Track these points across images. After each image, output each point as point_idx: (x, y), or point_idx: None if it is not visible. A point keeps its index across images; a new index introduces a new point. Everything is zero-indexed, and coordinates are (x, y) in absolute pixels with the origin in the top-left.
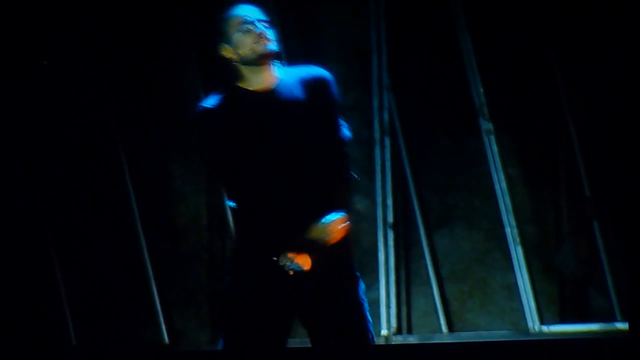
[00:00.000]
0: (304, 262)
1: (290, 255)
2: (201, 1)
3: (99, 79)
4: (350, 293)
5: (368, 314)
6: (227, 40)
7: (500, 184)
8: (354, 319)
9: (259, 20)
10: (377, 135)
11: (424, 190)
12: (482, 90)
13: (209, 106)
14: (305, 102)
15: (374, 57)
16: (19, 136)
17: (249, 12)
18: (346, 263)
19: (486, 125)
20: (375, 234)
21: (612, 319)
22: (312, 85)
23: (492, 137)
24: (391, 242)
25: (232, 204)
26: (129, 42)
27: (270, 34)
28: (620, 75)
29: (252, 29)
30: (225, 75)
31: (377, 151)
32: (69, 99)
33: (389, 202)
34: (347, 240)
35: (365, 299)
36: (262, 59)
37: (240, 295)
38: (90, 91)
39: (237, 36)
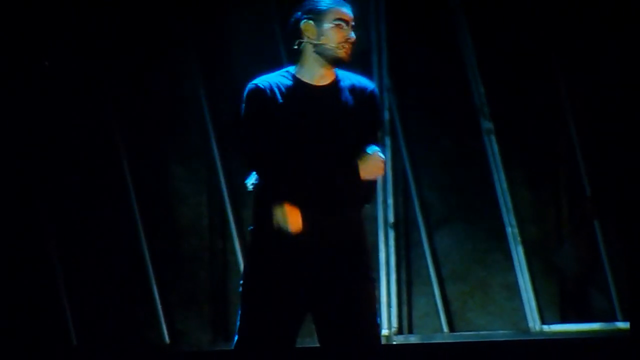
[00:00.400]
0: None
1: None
2: (202, 2)
3: (99, 79)
4: (363, 292)
5: (378, 318)
6: (317, 20)
7: (501, 183)
8: (365, 319)
9: (353, 24)
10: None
11: (425, 190)
12: (482, 90)
13: (260, 83)
14: (353, 109)
15: (374, 57)
16: (20, 137)
17: (349, 10)
18: (362, 261)
19: (487, 125)
20: (376, 234)
21: (612, 318)
22: (363, 96)
23: (493, 137)
24: (392, 242)
25: (253, 182)
26: (130, 43)
27: (355, 43)
28: (620, 75)
29: (346, 30)
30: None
31: None
32: (69, 100)
33: (390, 201)
34: (364, 239)
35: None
36: (335, 62)
37: (259, 284)
38: (91, 92)
39: (329, 26)
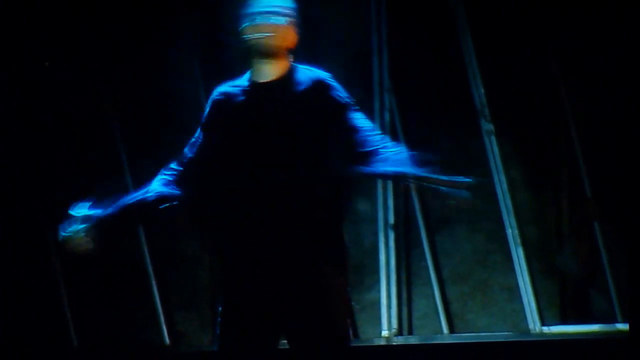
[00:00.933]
0: None
1: None
2: (203, 3)
3: (99, 81)
4: (329, 295)
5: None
6: (241, 26)
7: (502, 185)
8: (332, 327)
9: (264, 13)
10: None
11: (425, 191)
12: (483, 91)
13: (218, 89)
14: (305, 103)
15: (375, 58)
16: (19, 136)
17: (260, 2)
18: (320, 268)
19: (487, 127)
20: (376, 235)
21: (612, 320)
22: (313, 89)
23: (493, 138)
24: (392, 243)
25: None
26: (132, 45)
27: (271, 26)
28: (621, 76)
29: (255, 20)
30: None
31: None
32: (70, 100)
33: (390, 203)
34: (335, 242)
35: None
36: (253, 54)
37: (230, 298)
38: (91, 93)
39: (245, 25)
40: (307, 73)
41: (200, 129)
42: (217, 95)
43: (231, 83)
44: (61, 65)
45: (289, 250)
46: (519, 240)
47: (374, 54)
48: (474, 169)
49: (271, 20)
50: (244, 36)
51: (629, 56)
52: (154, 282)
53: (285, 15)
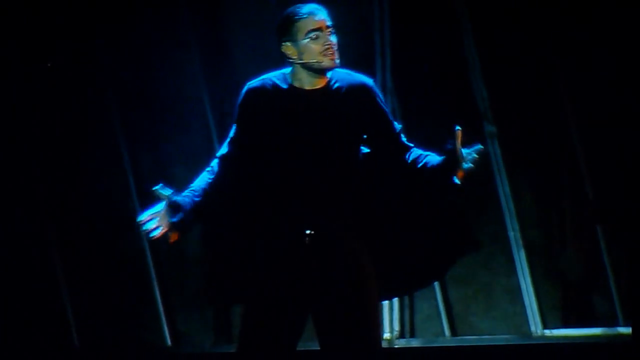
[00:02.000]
0: None
1: None
2: (205, 4)
3: (102, 80)
4: (363, 296)
5: (380, 319)
6: (293, 41)
7: (504, 187)
8: (365, 322)
9: (327, 27)
10: None
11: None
12: (486, 94)
13: (254, 85)
14: (349, 110)
15: (377, 60)
16: (21, 136)
17: (319, 17)
18: (365, 261)
19: (490, 129)
20: None
21: (614, 323)
22: (359, 95)
23: (496, 141)
24: None
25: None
26: (134, 47)
27: (335, 45)
28: (623, 81)
29: (321, 37)
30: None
31: None
32: (72, 102)
33: None
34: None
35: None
36: (323, 72)
37: (254, 287)
38: (94, 94)
39: (305, 42)
40: (349, 78)
41: (238, 127)
42: (253, 95)
43: (267, 82)
44: (64, 67)
45: (330, 249)
46: (521, 243)
47: (376, 56)
48: (476, 171)
49: (333, 38)
50: (305, 58)
51: (632, 60)
52: (155, 283)
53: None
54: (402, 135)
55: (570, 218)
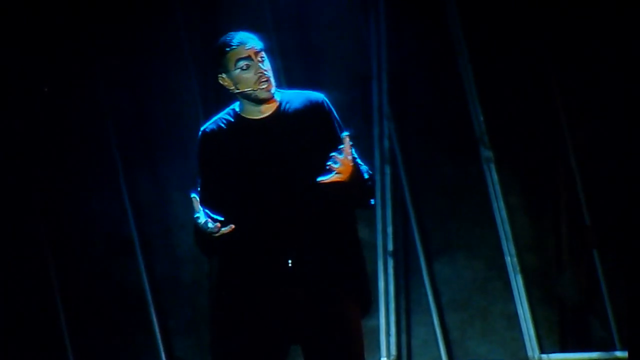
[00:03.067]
0: None
1: None
2: (203, 21)
3: (100, 104)
4: (346, 321)
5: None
6: (226, 72)
7: (501, 212)
8: (349, 348)
9: (257, 53)
10: (377, 163)
11: (424, 218)
12: (482, 118)
13: (207, 130)
14: (304, 131)
15: (374, 84)
16: (17, 150)
17: (247, 45)
18: (348, 286)
19: (486, 154)
20: (376, 262)
21: (611, 347)
22: (312, 112)
23: (493, 165)
24: (391, 270)
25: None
26: (132, 70)
27: (269, 71)
28: (621, 104)
29: (252, 66)
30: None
31: (378, 179)
32: (69, 125)
33: (389, 230)
34: (351, 265)
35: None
36: (261, 102)
37: (233, 321)
38: (92, 117)
39: (237, 73)
40: (299, 98)
41: (203, 175)
42: (208, 140)
43: (218, 122)
44: (62, 87)
45: (309, 276)
46: (518, 268)
47: (373, 80)
48: (473, 195)
49: (266, 62)
50: (240, 88)
51: (629, 85)
52: (152, 307)
53: (266, 50)
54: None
55: (567, 243)
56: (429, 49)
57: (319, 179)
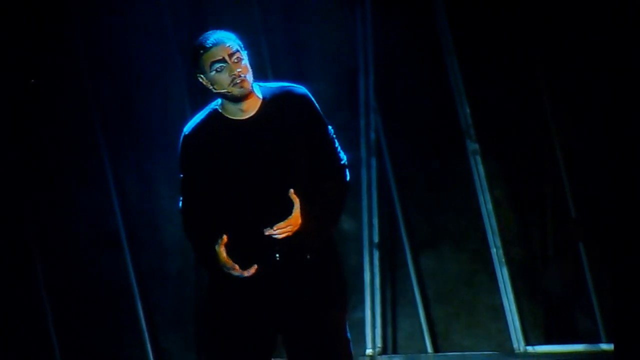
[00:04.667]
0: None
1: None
2: (190, 16)
3: (87, 99)
4: (331, 316)
5: (349, 334)
6: (203, 73)
7: (487, 204)
8: (336, 343)
9: (232, 54)
10: (363, 155)
11: (410, 210)
12: (468, 111)
13: (188, 132)
14: (289, 129)
15: (360, 78)
16: (4, 157)
17: (221, 47)
18: (332, 283)
19: (472, 147)
20: (361, 254)
21: (597, 340)
22: (295, 108)
23: (479, 158)
24: (377, 262)
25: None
26: (118, 65)
27: (245, 71)
28: (607, 97)
29: (226, 68)
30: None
31: (364, 172)
32: (55, 120)
33: (375, 222)
34: (336, 261)
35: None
36: (236, 100)
37: (222, 316)
38: (78, 112)
39: (212, 74)
40: (282, 94)
41: (186, 176)
42: (190, 140)
43: (198, 121)
44: (49, 83)
45: (300, 267)
46: (503, 260)
47: (360, 74)
48: (459, 188)
49: (243, 62)
50: (217, 89)
51: (616, 78)
52: (138, 301)
53: (241, 47)
54: (336, 141)
55: (553, 235)
56: (415, 42)
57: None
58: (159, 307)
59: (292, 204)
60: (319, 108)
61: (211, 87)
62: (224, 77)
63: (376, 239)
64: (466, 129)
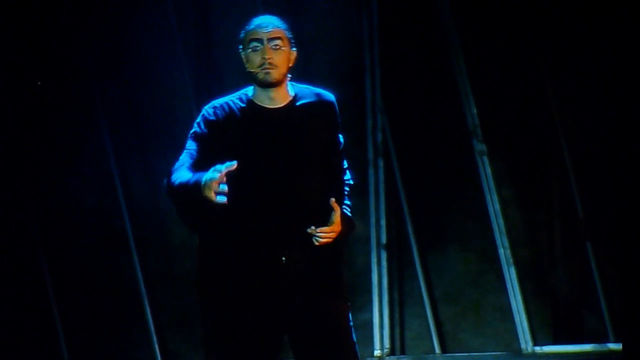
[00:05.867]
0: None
1: None
2: (195, 15)
3: (93, 97)
4: (338, 314)
5: (354, 337)
6: (243, 49)
7: (494, 205)
8: (341, 341)
9: (271, 39)
10: (370, 156)
11: (418, 211)
12: (475, 111)
13: (215, 105)
14: (313, 129)
15: (367, 79)
16: (10, 154)
17: (266, 29)
18: (336, 283)
19: (480, 147)
20: (369, 255)
21: (605, 340)
22: (323, 112)
23: (486, 159)
24: (384, 263)
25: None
26: (125, 64)
27: (279, 59)
28: (615, 97)
29: (261, 50)
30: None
31: (371, 172)
32: (62, 119)
33: (383, 222)
34: (340, 260)
35: (352, 323)
36: (261, 85)
37: (228, 310)
38: (85, 111)
39: (248, 52)
40: (313, 95)
41: (200, 145)
42: (214, 114)
43: (228, 101)
44: (53, 80)
45: (301, 272)
46: (511, 260)
47: (366, 74)
48: (466, 188)
49: (280, 52)
50: (248, 68)
51: (622, 79)
52: (146, 301)
53: (288, 38)
54: (343, 154)
55: (560, 235)
56: (422, 43)
57: (315, 237)
58: (166, 308)
59: (300, 201)
60: (340, 120)
61: (245, 65)
62: (257, 58)
63: (384, 240)
64: (473, 129)
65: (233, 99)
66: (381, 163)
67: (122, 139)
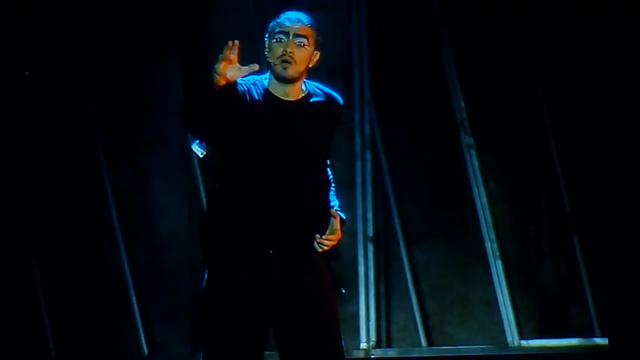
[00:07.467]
0: None
1: None
2: (186, 11)
3: (83, 91)
4: (326, 307)
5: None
6: (268, 38)
7: (481, 198)
8: (328, 334)
9: (297, 35)
10: (358, 148)
11: (405, 204)
12: (463, 105)
13: (242, 82)
14: (321, 127)
15: (355, 71)
16: (4, 150)
17: (294, 24)
18: (326, 276)
19: (467, 140)
20: (356, 248)
21: (591, 334)
22: (332, 112)
23: (473, 152)
24: (371, 256)
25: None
26: (114, 59)
27: (300, 57)
28: (601, 93)
29: (284, 43)
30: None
31: (358, 165)
32: (51, 113)
33: (369, 215)
34: (330, 255)
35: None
36: (278, 79)
37: (219, 301)
38: (74, 105)
39: (272, 42)
40: (325, 95)
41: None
42: (244, 84)
43: (250, 81)
44: (43, 75)
45: (294, 261)
46: (498, 254)
47: (354, 67)
48: (453, 181)
49: (303, 50)
50: (269, 57)
51: (609, 73)
52: (132, 293)
53: (315, 39)
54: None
55: (547, 229)
56: (410, 36)
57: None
58: (153, 300)
59: (297, 193)
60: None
61: (267, 54)
62: (278, 49)
63: (370, 232)
64: (461, 122)
65: (255, 81)
66: (368, 155)
67: (111, 131)
